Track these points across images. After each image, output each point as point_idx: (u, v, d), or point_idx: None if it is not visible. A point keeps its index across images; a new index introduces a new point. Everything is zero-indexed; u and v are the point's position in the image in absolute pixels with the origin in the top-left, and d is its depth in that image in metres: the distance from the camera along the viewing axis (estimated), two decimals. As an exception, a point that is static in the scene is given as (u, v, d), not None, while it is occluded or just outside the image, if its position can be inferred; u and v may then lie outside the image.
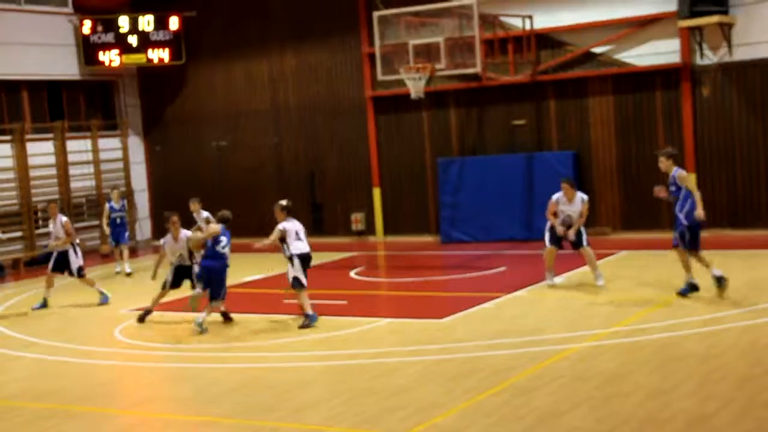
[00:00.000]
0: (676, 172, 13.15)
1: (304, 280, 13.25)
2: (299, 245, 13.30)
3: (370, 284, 16.78)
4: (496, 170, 20.35)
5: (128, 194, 25.06)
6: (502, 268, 16.99)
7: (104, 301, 16.18)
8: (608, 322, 12.10)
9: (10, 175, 22.81)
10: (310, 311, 13.20)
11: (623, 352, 10.55)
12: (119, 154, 25.33)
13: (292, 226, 13.40)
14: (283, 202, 13.71)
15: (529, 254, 18.41)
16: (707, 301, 12.93)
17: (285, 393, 9.94)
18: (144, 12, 24.60)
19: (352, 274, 17.79)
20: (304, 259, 13.32)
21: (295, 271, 13.23)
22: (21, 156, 22.77)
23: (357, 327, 12.93)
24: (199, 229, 14.20)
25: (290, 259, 13.27)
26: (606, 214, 20.67)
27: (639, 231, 19.88)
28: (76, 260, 16.15)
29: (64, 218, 16.33)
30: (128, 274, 19.45)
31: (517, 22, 20.57)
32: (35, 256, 22.44)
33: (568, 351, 10.75)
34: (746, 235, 19.10)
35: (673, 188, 13.19)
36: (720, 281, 12.98)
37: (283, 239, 13.32)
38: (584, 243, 14.63)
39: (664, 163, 13.24)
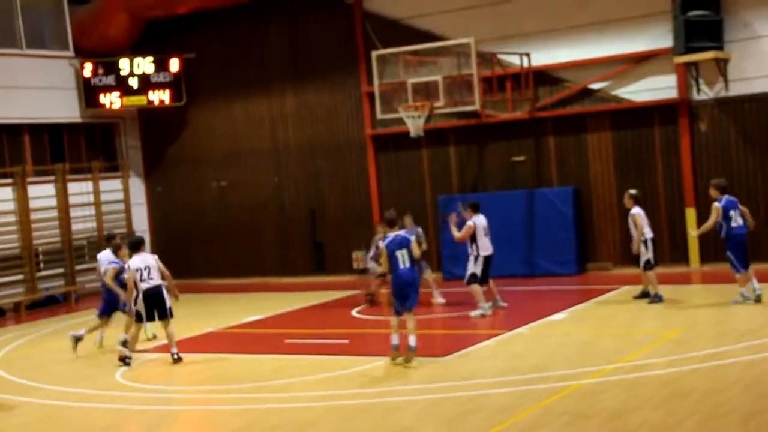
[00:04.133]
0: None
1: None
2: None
3: (372, 323, 16.76)
4: (496, 207, 20.30)
5: (130, 236, 25.12)
6: (503, 305, 16.95)
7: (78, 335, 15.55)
8: (611, 358, 12.07)
9: (12, 218, 22.86)
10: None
11: (626, 389, 10.51)
12: (120, 195, 25.41)
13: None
14: (633, 191, 16.22)
15: (531, 290, 18.40)
16: (709, 336, 12.91)
17: (287, 434, 9.90)
18: (144, 54, 24.80)
19: (353, 312, 17.77)
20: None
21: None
22: (22, 199, 22.82)
23: (359, 366, 12.89)
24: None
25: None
26: (607, 249, 20.68)
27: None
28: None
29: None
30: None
31: (514, 60, 20.72)
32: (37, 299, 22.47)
33: (570, 388, 10.72)
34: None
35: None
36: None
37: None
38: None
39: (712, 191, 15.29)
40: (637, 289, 16.68)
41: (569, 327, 14.63)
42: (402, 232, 13.18)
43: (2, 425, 11.42)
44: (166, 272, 14.39)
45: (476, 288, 16.02)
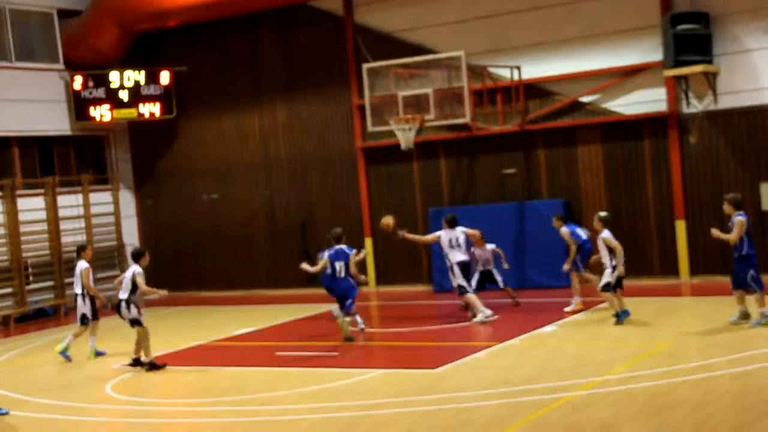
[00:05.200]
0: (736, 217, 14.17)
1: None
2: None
3: (363, 335, 16.72)
4: (487, 219, 20.35)
5: (120, 248, 25.10)
6: (494, 317, 16.96)
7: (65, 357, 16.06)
8: (600, 370, 12.08)
9: (1, 231, 22.77)
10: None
11: (616, 401, 10.52)
12: (110, 208, 25.35)
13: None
14: (603, 214, 15.73)
15: (521, 303, 18.40)
16: (699, 348, 12.94)
17: (277, 447, 9.87)
18: (134, 67, 24.79)
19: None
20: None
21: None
22: (11, 212, 22.75)
23: (349, 378, 12.87)
24: None
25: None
26: (597, 261, 20.65)
27: (629, 278, 19.79)
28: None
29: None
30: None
31: (505, 73, 20.79)
32: (27, 312, 22.39)
33: (561, 400, 10.72)
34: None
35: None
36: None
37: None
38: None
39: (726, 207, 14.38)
40: (629, 302, 16.66)
41: (560, 339, 14.64)
42: (344, 247, 15.65)
43: (-10, 438, 11.38)
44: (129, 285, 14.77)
45: (471, 297, 16.65)
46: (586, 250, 17.16)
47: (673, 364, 12.05)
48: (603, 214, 15.90)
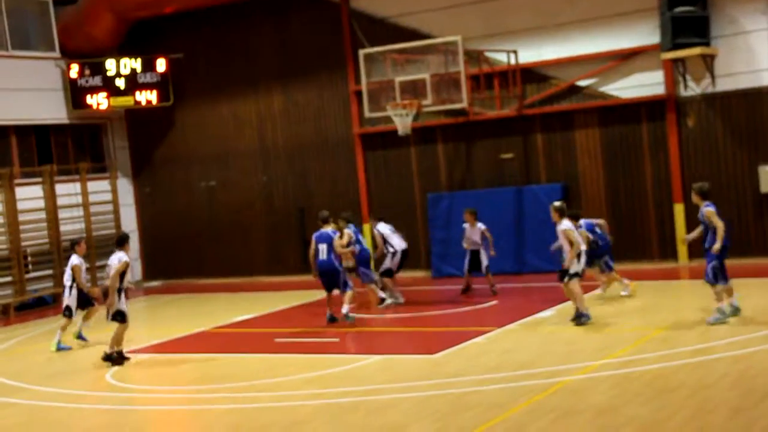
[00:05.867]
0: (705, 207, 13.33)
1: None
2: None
3: (362, 321, 16.75)
4: (485, 204, 20.36)
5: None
6: (493, 302, 16.98)
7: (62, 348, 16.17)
8: (599, 354, 12.10)
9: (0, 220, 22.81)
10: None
11: (615, 384, 10.54)
12: (108, 196, 25.32)
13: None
14: (557, 204, 15.04)
15: (520, 287, 18.43)
16: (697, 332, 12.96)
17: (277, 433, 9.90)
18: (131, 55, 24.72)
19: (343, 310, 17.73)
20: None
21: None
22: (10, 201, 22.73)
23: (349, 364, 12.90)
24: None
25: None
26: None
27: (628, 262, 19.86)
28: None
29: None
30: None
31: (502, 57, 20.75)
32: (24, 301, 22.40)
33: (560, 384, 10.74)
34: (735, 264, 19.08)
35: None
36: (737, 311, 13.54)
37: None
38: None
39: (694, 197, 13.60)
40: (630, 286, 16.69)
41: (558, 324, 14.66)
42: (329, 230, 16.40)
43: (-9, 427, 11.41)
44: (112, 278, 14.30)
45: (388, 281, 17.89)
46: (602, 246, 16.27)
47: (671, 347, 12.07)
48: (557, 203, 14.89)
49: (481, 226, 17.96)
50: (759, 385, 10.05)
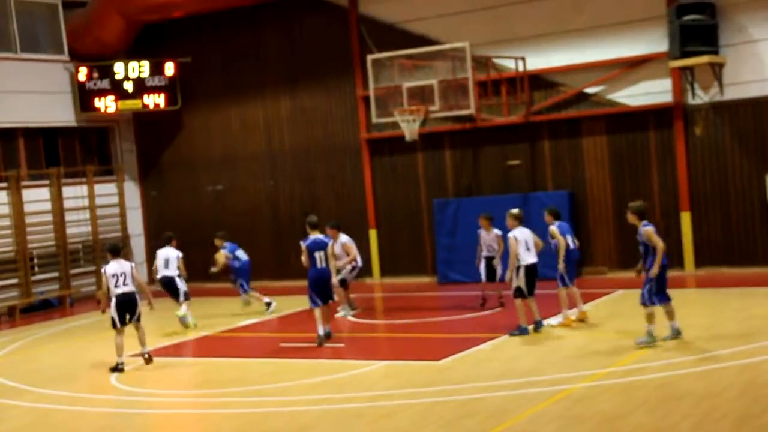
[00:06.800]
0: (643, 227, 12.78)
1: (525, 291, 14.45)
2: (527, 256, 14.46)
3: (367, 326, 16.74)
4: (491, 210, 20.29)
5: (125, 239, 25.11)
6: (498, 309, 16.95)
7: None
8: (605, 362, 12.07)
9: (6, 222, 22.81)
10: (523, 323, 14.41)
11: (620, 392, 10.51)
12: (115, 199, 25.37)
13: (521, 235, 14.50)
14: (514, 211, 14.78)
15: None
16: (704, 340, 12.92)
17: (282, 438, 9.88)
18: (139, 58, 24.78)
19: (348, 316, 17.74)
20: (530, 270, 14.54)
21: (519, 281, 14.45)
22: (17, 203, 22.79)
23: (354, 370, 12.89)
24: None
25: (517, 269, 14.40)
26: (602, 253, 20.71)
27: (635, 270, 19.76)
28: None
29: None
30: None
31: (510, 64, 20.74)
32: (29, 303, 22.42)
33: (565, 392, 10.71)
34: (741, 273, 19.11)
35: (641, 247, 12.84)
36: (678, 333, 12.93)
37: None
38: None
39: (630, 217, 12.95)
40: (634, 293, 16.61)
41: (564, 331, 14.62)
42: (322, 236, 15.32)
43: (-5, 429, 11.41)
44: (142, 282, 14.59)
45: (341, 291, 17.36)
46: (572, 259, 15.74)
47: (678, 355, 12.03)
48: (514, 211, 14.85)
49: (497, 232, 17.21)
50: (766, 394, 10.01)
